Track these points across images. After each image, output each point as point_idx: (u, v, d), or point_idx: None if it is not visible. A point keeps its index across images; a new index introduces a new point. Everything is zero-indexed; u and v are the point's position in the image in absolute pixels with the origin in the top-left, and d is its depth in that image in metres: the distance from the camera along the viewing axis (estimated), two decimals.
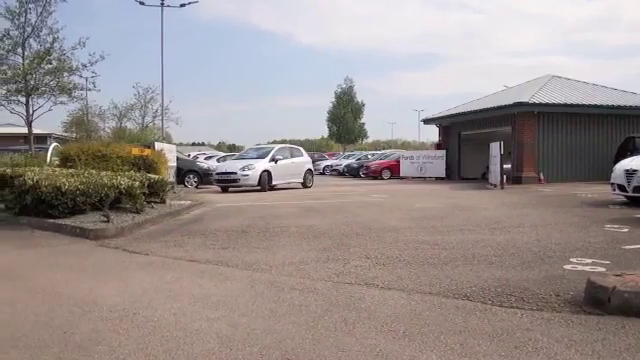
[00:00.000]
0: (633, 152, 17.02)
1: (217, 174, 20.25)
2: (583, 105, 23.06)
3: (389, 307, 4.56)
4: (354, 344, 3.67)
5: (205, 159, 28.63)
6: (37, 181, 9.66)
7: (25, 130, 18.33)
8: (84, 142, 20.41)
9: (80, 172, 11.19)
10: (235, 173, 19.67)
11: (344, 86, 69.29)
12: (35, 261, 6.97)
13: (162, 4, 32.70)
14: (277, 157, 20.88)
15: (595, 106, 23.20)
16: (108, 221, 9.06)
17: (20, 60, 16.65)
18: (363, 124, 69.70)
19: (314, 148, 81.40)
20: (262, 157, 20.88)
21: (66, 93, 17.48)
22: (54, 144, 21.25)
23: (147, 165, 14.67)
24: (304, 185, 21.79)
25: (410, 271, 5.88)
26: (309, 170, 22.64)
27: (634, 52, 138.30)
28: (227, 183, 19.77)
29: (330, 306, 4.61)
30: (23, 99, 16.77)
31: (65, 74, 17.13)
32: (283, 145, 23.93)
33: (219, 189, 20.08)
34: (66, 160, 14.16)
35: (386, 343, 3.69)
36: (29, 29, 16.53)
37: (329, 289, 5.19)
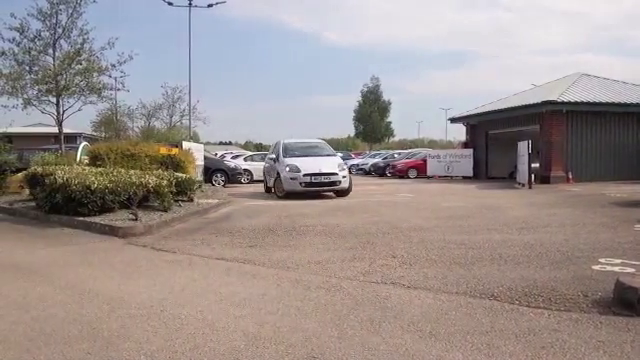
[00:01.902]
0: None
1: (304, 175, 15.39)
2: (612, 104, 22.64)
3: (415, 306, 4.55)
4: (380, 343, 3.68)
5: (232, 158, 28.79)
6: (67, 180, 9.85)
7: (56, 130, 18.60)
8: (113, 141, 20.70)
9: (109, 171, 11.36)
10: (336, 174, 15.69)
11: (370, 85, 69.21)
12: (65, 258, 7.11)
13: (190, 4, 32.95)
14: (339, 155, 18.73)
15: (625, 104, 22.75)
16: (136, 219, 9.20)
17: (51, 61, 16.94)
18: (389, 123, 69.53)
19: (340, 147, 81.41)
20: (330, 155, 17.41)
21: (95, 93, 17.71)
22: (84, 143, 21.58)
23: (175, 164, 14.86)
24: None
25: (437, 270, 5.85)
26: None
27: None
28: (322, 187, 15.65)
29: (356, 305, 4.62)
30: (54, 99, 17.03)
31: (95, 74, 17.35)
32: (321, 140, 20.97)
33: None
34: (95, 159, 14.41)
35: (412, 342, 3.69)
36: (60, 30, 16.79)
37: (355, 288, 5.20)
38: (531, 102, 23.35)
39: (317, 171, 15.56)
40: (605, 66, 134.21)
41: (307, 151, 17.23)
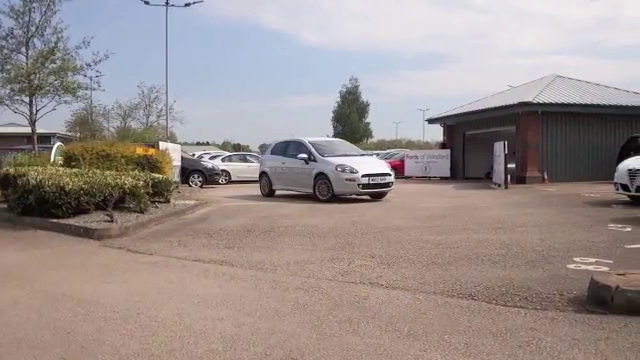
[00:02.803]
0: (636, 152, 16.96)
1: (363, 176, 14.24)
2: (587, 105, 22.99)
3: (393, 306, 4.56)
4: (358, 343, 3.68)
5: (210, 158, 28.64)
6: (40, 181, 9.69)
7: (29, 129, 18.31)
8: (88, 142, 20.40)
9: (84, 172, 11.21)
10: (389, 175, 14.98)
11: (349, 86, 69.61)
12: (38, 261, 6.99)
13: (167, 3, 32.74)
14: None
15: (599, 106, 23.12)
16: (112, 221, 9.08)
17: (24, 59, 16.66)
18: (368, 124, 70.01)
19: None
20: (366, 154, 17.16)
21: (70, 92, 17.45)
22: (58, 144, 21.30)
23: (151, 164, 14.72)
24: None
25: (414, 270, 5.88)
26: None
27: (637, 52, 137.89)
28: (378, 188, 14.78)
29: (335, 305, 4.62)
30: (26, 99, 16.76)
31: (69, 73, 17.11)
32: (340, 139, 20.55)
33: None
34: (70, 160, 14.21)
35: (390, 342, 3.69)
36: (33, 28, 16.52)
37: (333, 288, 5.20)
38: (507, 103, 23.62)
39: (373, 172, 14.66)
40: (580, 68, 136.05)
41: (341, 150, 16.20)
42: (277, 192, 16.85)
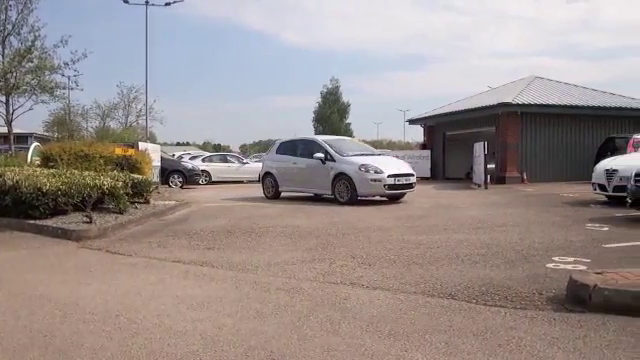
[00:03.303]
0: (613, 152, 17.19)
1: (389, 177, 13.55)
2: (565, 106, 23.30)
3: (375, 307, 4.57)
4: (340, 344, 3.67)
5: (190, 159, 28.46)
6: (17, 181, 9.54)
7: (5, 130, 18.08)
8: (66, 142, 20.17)
9: (62, 172, 11.07)
10: (413, 175, 14.34)
11: (330, 86, 69.60)
12: (15, 263, 6.88)
13: (147, 2, 32.49)
14: None
15: (577, 107, 23.44)
16: (90, 222, 8.98)
17: (0, 58, 16.44)
18: (349, 124, 70.08)
19: None
20: (383, 154, 16.71)
21: (47, 92, 17.29)
22: (35, 144, 20.99)
23: (131, 165, 14.60)
24: None
25: (395, 270, 5.89)
26: None
27: (616, 54, 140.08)
28: (403, 189, 14.17)
29: (316, 306, 4.61)
30: (3, 98, 16.55)
31: (46, 72, 16.92)
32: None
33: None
34: (47, 160, 14.04)
35: (372, 342, 3.69)
36: (9, 27, 16.33)
37: (315, 289, 5.19)
38: (487, 104, 23.83)
39: (398, 172, 13.94)
40: (559, 69, 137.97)
41: (356, 149, 15.43)
42: (283, 194, 15.95)
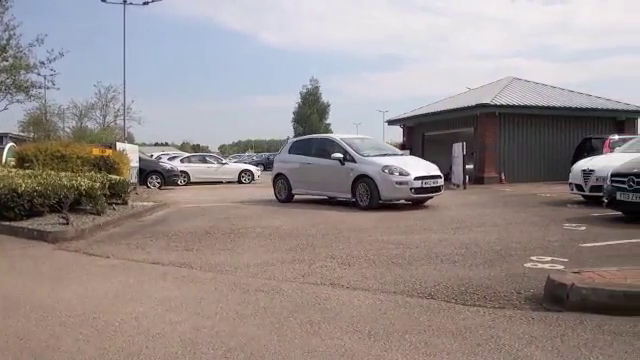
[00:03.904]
0: (590, 153, 17.43)
1: (416, 179, 12.41)
2: (542, 107, 23.61)
3: (354, 307, 4.56)
4: (320, 345, 3.66)
5: (168, 159, 28.27)
6: None
7: None
8: (42, 142, 19.88)
9: (38, 173, 10.93)
10: (440, 177, 13.17)
11: (310, 86, 69.68)
12: None
13: (124, 1, 32.19)
14: None
15: (554, 108, 23.77)
16: (67, 223, 8.85)
17: None
18: (329, 124, 70.17)
19: (279, 149, 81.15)
20: (404, 154, 15.24)
21: (23, 91, 17.05)
22: (10, 144, 20.67)
23: (108, 166, 14.43)
24: None
25: (375, 271, 5.90)
26: None
27: (591, 56, 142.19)
28: (430, 193, 12.96)
29: (296, 307, 4.59)
30: None
31: (22, 72, 16.67)
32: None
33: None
34: (23, 161, 13.84)
35: (352, 343, 3.69)
36: None
37: (294, 290, 5.17)
38: (466, 105, 24.02)
39: (425, 174, 12.79)
40: (536, 70, 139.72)
41: (378, 149, 14.28)
42: (296, 196, 14.93)
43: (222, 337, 3.83)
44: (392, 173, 12.35)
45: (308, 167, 14.34)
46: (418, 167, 13.05)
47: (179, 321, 4.23)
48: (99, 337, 3.88)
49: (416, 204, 12.98)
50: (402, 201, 12.97)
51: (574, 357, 3.39)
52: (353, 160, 13.04)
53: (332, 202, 13.83)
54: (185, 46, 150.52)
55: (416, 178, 12.40)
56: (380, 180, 12.33)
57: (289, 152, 15.51)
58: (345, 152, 13.26)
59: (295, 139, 16.34)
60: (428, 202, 13.40)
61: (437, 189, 12.93)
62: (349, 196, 12.95)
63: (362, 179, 12.64)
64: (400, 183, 12.32)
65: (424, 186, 12.54)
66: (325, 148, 14.01)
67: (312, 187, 14.33)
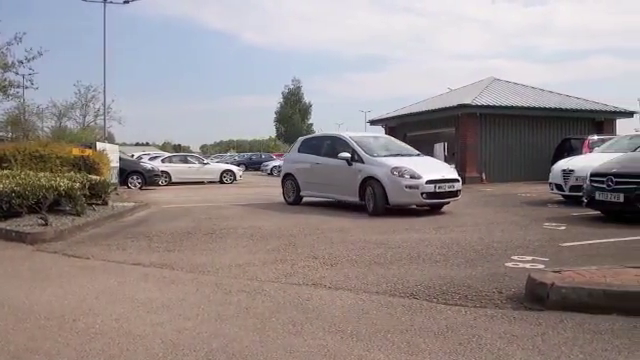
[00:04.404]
0: (570, 153, 17.64)
1: (428, 183, 11.17)
2: (523, 107, 23.83)
3: (337, 307, 4.56)
4: (302, 345, 3.65)
5: (149, 159, 28.05)
6: None
7: None
8: (21, 142, 19.61)
9: (16, 173, 10.78)
10: (457, 181, 11.86)
11: (292, 86, 69.65)
12: None
13: (105, 0, 31.90)
14: None
15: (534, 108, 24.01)
16: (46, 224, 8.74)
17: None
18: (311, 125, 70.23)
19: (261, 149, 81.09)
20: (420, 155, 13.38)
21: (0, 91, 16.77)
22: None
23: (88, 166, 14.27)
24: None
25: (357, 270, 5.90)
26: None
27: (571, 57, 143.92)
28: (445, 198, 11.73)
29: (278, 307, 4.58)
30: None
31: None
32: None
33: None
34: (1, 161, 13.62)
35: (334, 343, 3.68)
36: None
37: (277, 290, 5.16)
38: (447, 105, 24.17)
39: (439, 177, 11.51)
40: (517, 71, 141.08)
41: (391, 149, 13.15)
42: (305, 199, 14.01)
43: (204, 338, 3.81)
44: (402, 176, 11.23)
45: (317, 167, 13.41)
46: (432, 170, 11.83)
47: (160, 322, 4.19)
48: (79, 339, 3.83)
49: (433, 209, 11.88)
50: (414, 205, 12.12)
51: (555, 355, 3.42)
52: (361, 160, 12.01)
53: (339, 205, 12.93)
54: (167, 46, 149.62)
55: (428, 182, 11.17)
56: (388, 183, 11.24)
57: (298, 151, 14.65)
58: (353, 151, 12.24)
59: (305, 137, 15.46)
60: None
61: (453, 194, 11.71)
62: (357, 199, 11.94)
63: (370, 181, 11.56)
64: (410, 187, 11.12)
65: (437, 191, 11.28)
66: (334, 147, 13.00)
67: (320, 189, 13.41)
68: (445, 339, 3.73)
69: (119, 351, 3.59)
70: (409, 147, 13.79)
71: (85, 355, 3.53)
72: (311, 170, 13.56)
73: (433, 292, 4.94)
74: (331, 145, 13.24)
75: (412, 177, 11.18)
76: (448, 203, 11.96)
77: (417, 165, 11.72)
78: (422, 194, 11.10)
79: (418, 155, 13.03)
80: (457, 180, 11.81)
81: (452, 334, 3.83)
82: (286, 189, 14.36)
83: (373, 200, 11.35)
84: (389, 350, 3.55)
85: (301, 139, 15.33)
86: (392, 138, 14.72)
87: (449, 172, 12.16)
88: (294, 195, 13.99)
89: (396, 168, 11.33)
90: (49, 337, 3.89)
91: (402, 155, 12.55)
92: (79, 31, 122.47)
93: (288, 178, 14.31)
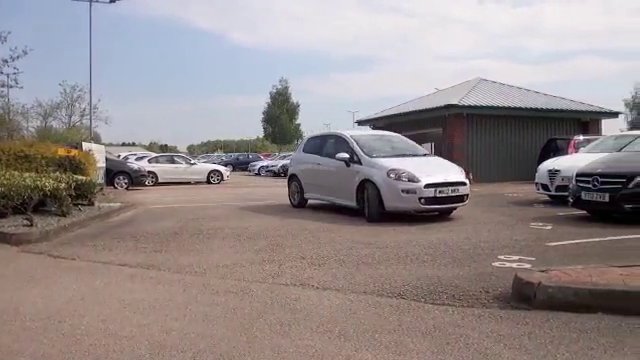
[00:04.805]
0: (555, 153, 17.73)
1: (427, 187, 9.95)
2: (509, 108, 23.96)
3: (325, 307, 4.56)
4: (289, 345, 3.65)
5: (136, 160, 27.89)
6: None
7: None
8: (5, 142, 19.40)
9: (1, 174, 10.64)
10: (464, 184, 10.52)
11: (279, 87, 69.47)
12: None
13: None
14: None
15: (520, 108, 24.14)
16: (31, 225, 8.65)
17: None
18: (299, 125, 70.13)
19: (249, 149, 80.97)
20: (428, 155, 12.95)
21: None
22: None
23: (74, 166, 14.13)
24: None
25: (345, 271, 5.90)
26: None
27: (557, 58, 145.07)
28: (448, 204, 10.47)
29: (265, 308, 4.57)
30: None
31: None
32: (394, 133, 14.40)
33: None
34: None
35: (322, 343, 3.68)
36: None
37: (264, 291, 5.14)
38: (434, 106, 24.24)
39: (441, 180, 10.23)
40: (503, 72, 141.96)
41: (396, 149, 11.98)
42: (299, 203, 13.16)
43: (191, 339, 3.79)
44: (399, 178, 10.09)
45: (318, 168, 12.53)
46: (436, 172, 10.60)
47: (147, 323, 4.17)
48: (65, 341, 3.80)
49: (442, 215, 10.72)
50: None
51: (541, 354, 3.44)
52: (359, 162, 10.99)
53: (338, 209, 11.91)
54: (154, 45, 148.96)
55: (428, 185, 9.95)
56: (384, 186, 10.17)
57: (303, 150, 13.79)
58: (352, 152, 11.25)
59: (310, 136, 14.57)
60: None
61: (458, 199, 10.44)
62: (354, 204, 10.92)
63: (367, 184, 10.51)
64: (407, 191, 9.98)
65: (438, 195, 10.04)
66: (335, 146, 12.06)
67: (322, 192, 12.46)
68: (433, 339, 3.74)
69: (105, 352, 3.56)
70: (417, 146, 12.81)
71: (71, 356, 3.50)
72: (313, 171, 12.82)
73: (421, 292, 4.95)
74: (333, 144, 12.31)
75: (410, 180, 10.05)
76: (452, 210, 10.83)
77: (419, 167, 10.56)
78: (420, 199, 9.95)
79: (425, 155, 12.20)
80: (463, 183, 10.53)
81: (440, 334, 3.84)
82: (291, 191, 13.64)
83: (367, 205, 10.38)
84: (377, 350, 3.55)
85: (307, 137, 14.64)
86: (401, 137, 13.49)
87: (455, 174, 10.80)
88: (299, 197, 13.21)
89: (393, 170, 10.24)
90: (34, 338, 3.85)
91: (405, 155, 11.43)
92: (66, 30, 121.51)
93: (293, 179, 13.58)
